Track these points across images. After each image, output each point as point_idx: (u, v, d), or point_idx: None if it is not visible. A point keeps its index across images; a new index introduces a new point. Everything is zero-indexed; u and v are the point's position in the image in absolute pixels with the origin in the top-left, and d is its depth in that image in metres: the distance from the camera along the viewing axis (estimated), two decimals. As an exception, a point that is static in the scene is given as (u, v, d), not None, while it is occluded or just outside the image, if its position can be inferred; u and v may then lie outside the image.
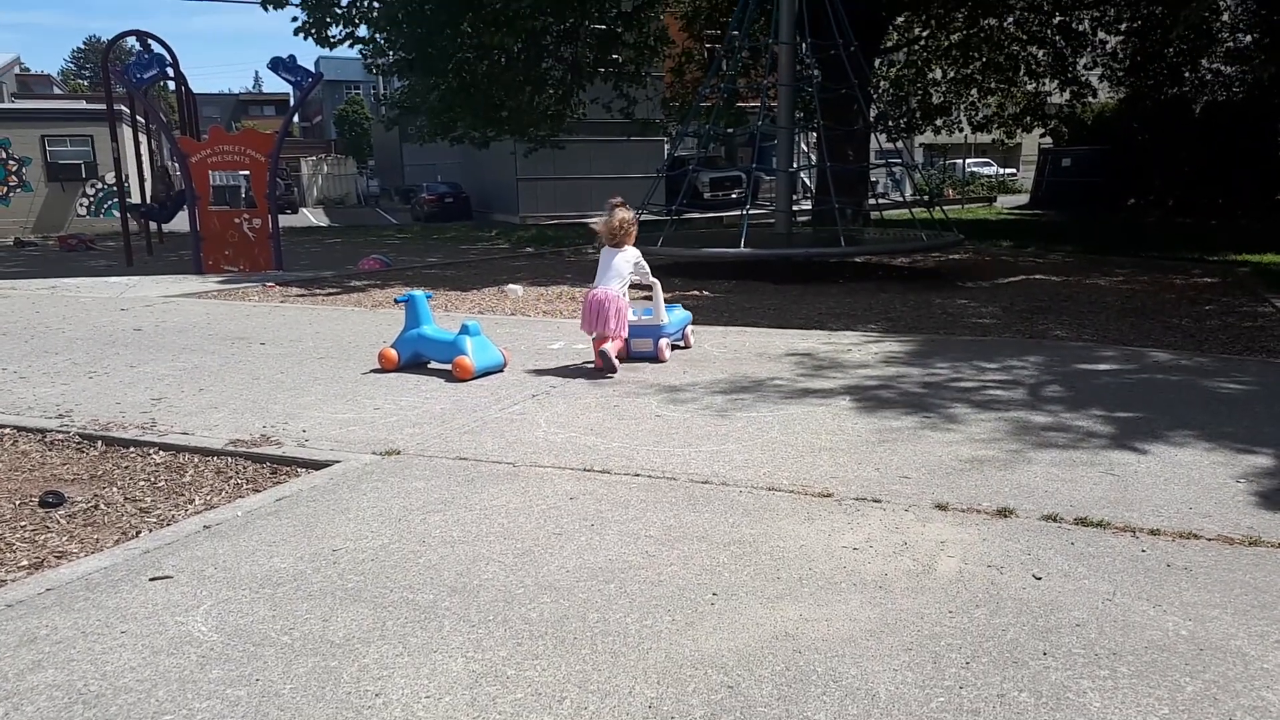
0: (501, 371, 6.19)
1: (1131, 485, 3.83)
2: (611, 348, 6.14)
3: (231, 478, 4.25)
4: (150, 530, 3.60)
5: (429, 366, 6.37)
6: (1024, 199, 33.03)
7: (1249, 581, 2.94)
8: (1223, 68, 24.03)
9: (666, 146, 29.04)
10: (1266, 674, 2.39)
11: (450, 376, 6.02)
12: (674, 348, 6.81)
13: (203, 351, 7.11)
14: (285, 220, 24.68)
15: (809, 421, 4.89)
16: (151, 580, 3.03)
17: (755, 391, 5.57)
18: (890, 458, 4.25)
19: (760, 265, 12.33)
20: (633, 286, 6.50)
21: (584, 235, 21.20)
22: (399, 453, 4.43)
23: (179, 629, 2.69)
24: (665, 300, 6.64)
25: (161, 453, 4.61)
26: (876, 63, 21.67)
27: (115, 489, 4.10)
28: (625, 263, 6.39)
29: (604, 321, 6.19)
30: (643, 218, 14.27)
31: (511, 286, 11.25)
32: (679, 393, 5.56)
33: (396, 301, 6.64)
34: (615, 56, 19.32)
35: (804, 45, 13.15)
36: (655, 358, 6.48)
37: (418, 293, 6.49)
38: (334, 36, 17.35)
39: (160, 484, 4.18)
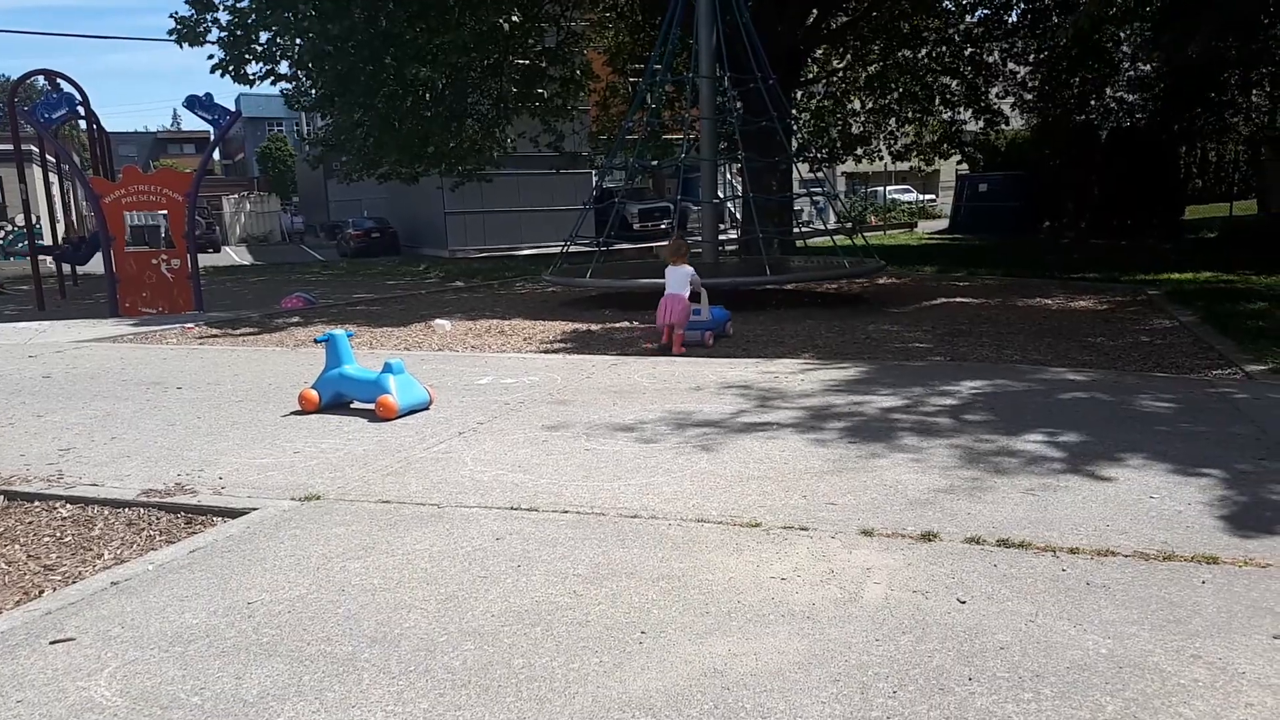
0: (427, 409, 6.09)
1: (1051, 505, 3.90)
2: (676, 337, 8.58)
3: (143, 530, 4.09)
4: (54, 589, 3.44)
5: (352, 407, 6.24)
6: (944, 224, 33.92)
7: (1164, 597, 3.00)
8: (1126, 95, 25.09)
9: (594, 178, 29.18)
10: (1183, 689, 2.44)
11: (373, 416, 5.90)
12: (716, 338, 9.10)
13: (116, 398, 6.86)
14: (207, 259, 24.14)
15: (737, 451, 4.89)
16: (52, 643, 2.88)
17: (684, 422, 5.56)
18: (817, 485, 4.27)
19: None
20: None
21: (514, 268, 21.14)
22: (319, 498, 4.31)
23: (80, 695, 2.56)
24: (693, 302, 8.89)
25: (69, 506, 4.41)
26: (797, 94, 22.13)
27: (17, 546, 3.92)
28: (685, 275, 8.81)
29: (676, 315, 8.61)
30: (571, 249, 14.38)
31: (439, 322, 11.12)
32: (608, 425, 5.53)
33: (316, 341, 6.50)
34: (540, 91, 19.40)
35: (724, 79, 13.36)
36: (703, 343, 8.86)
37: (338, 331, 6.36)
38: (253, 74, 17.13)
39: (67, 539, 4.00)
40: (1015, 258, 18.56)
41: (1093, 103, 24.58)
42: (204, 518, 4.20)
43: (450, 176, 20.49)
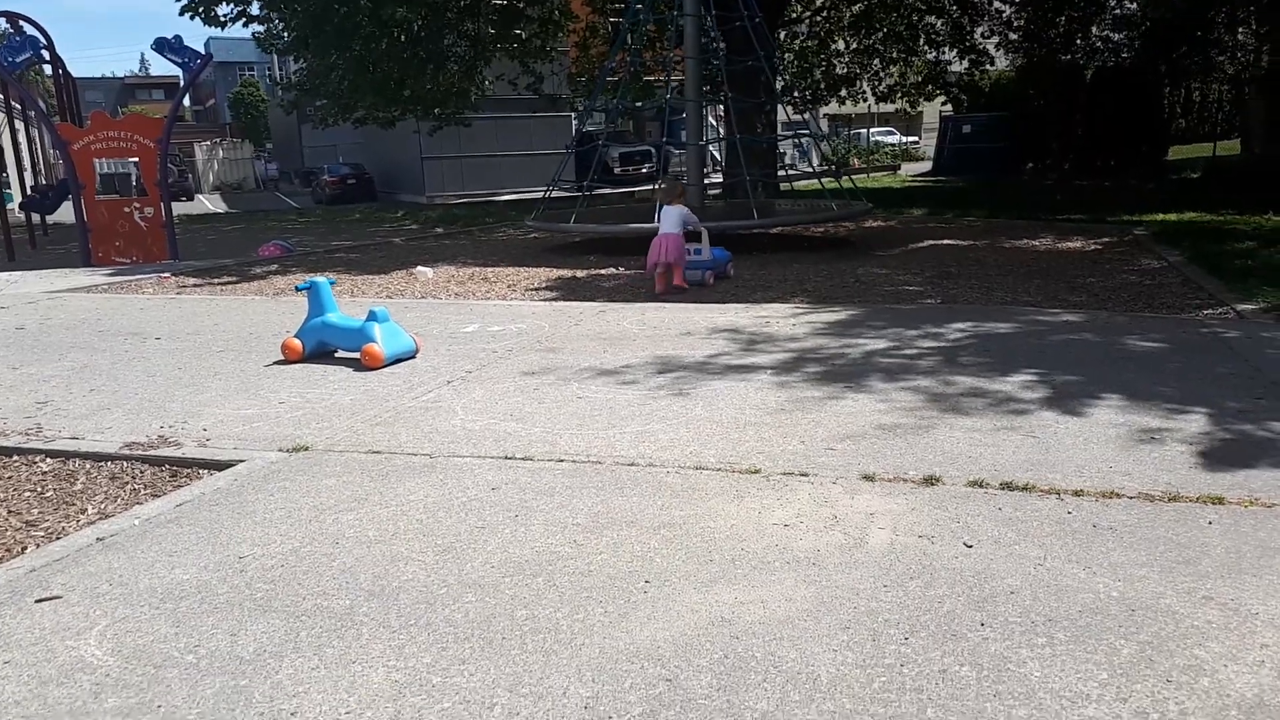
0: (413, 358, 5.98)
1: (1053, 447, 3.86)
2: (676, 274, 8.63)
3: (127, 484, 3.99)
4: (37, 546, 3.34)
5: (336, 356, 6.11)
6: (927, 166, 33.67)
7: (1172, 538, 2.97)
8: (1111, 34, 24.79)
9: (574, 122, 28.74)
10: (1197, 631, 2.41)
11: (359, 366, 5.79)
12: (717, 278, 9.14)
13: (93, 349, 6.71)
14: (181, 208, 23.66)
15: (732, 397, 4.82)
16: (38, 602, 2.80)
17: (677, 368, 5.49)
18: (815, 430, 4.21)
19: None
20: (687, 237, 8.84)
21: (494, 214, 20.85)
22: (307, 449, 4.21)
23: (70, 655, 2.48)
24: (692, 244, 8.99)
25: (49, 460, 4.30)
26: (780, 35, 21.73)
27: (-3, 502, 3.81)
28: (678, 214, 8.70)
29: (672, 253, 8.56)
30: (553, 194, 14.16)
31: (420, 269, 10.95)
32: (600, 373, 5.44)
33: (298, 289, 6.36)
34: (518, 31, 18.96)
35: (709, 18, 13.05)
36: (703, 283, 8.88)
37: (320, 279, 6.21)
38: (224, 15, 16.63)
39: (48, 494, 3.90)
40: (1001, 199, 18.45)
41: (1078, 42, 24.26)
42: (189, 470, 4.10)
43: (427, 120, 20.10)
